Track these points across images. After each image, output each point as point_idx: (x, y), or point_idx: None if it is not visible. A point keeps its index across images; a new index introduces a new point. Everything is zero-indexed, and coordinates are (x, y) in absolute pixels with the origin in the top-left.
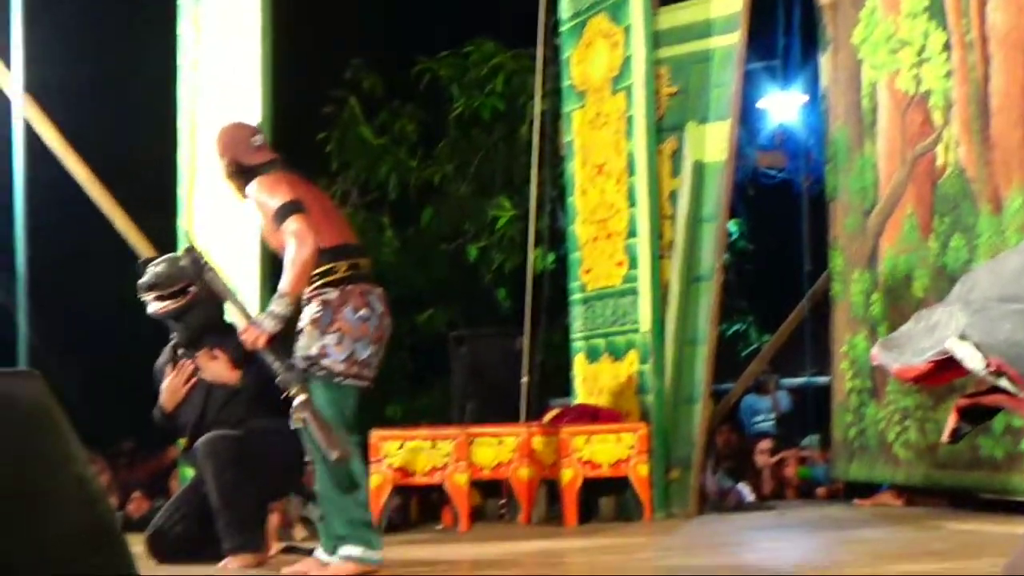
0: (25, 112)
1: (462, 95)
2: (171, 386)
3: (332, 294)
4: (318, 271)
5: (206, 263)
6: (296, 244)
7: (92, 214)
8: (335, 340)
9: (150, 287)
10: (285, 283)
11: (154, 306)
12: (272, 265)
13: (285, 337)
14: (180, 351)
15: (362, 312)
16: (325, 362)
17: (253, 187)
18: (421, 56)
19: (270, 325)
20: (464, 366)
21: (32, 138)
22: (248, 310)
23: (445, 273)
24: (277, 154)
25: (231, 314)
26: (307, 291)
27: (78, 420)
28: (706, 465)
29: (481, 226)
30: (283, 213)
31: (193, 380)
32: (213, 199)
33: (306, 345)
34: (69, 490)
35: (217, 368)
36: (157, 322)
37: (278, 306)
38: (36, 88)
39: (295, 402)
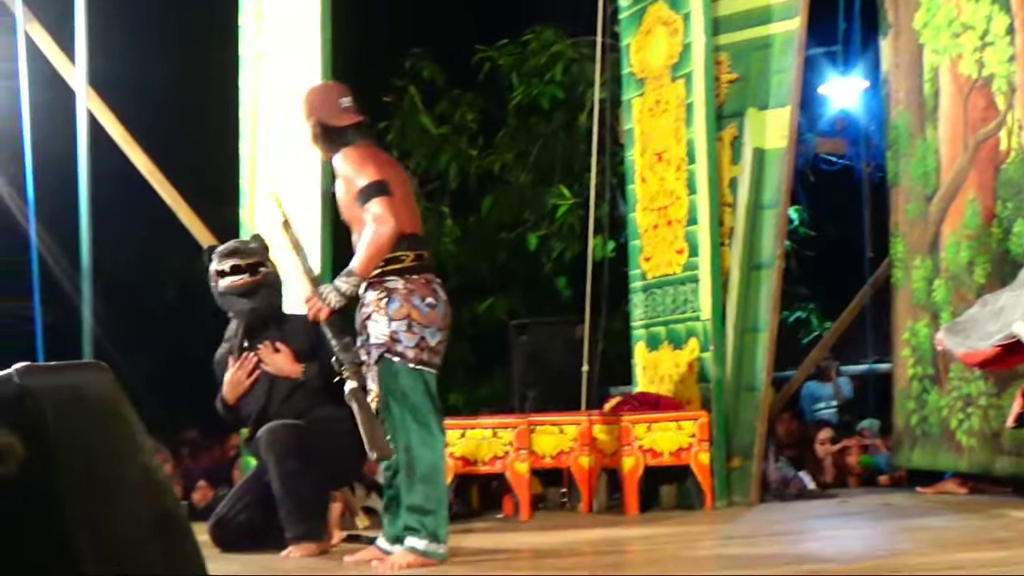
0: (89, 105)
1: (521, 84)
2: (233, 379)
3: (397, 282)
4: (387, 256)
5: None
6: (376, 227)
7: (155, 206)
8: (404, 327)
9: (231, 252)
10: (357, 263)
11: (228, 280)
12: (334, 258)
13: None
14: (244, 342)
15: (429, 299)
16: (398, 348)
17: (339, 159)
18: (481, 45)
19: (334, 299)
20: (525, 355)
21: (96, 131)
22: (316, 276)
23: (505, 262)
24: (364, 116)
25: (298, 282)
26: (371, 275)
27: (143, 410)
28: (767, 453)
29: (541, 215)
30: (368, 193)
31: (256, 373)
32: (275, 191)
33: (376, 331)
34: (136, 481)
35: (280, 361)
36: (219, 313)
37: (345, 283)
38: (100, 81)
39: (346, 387)
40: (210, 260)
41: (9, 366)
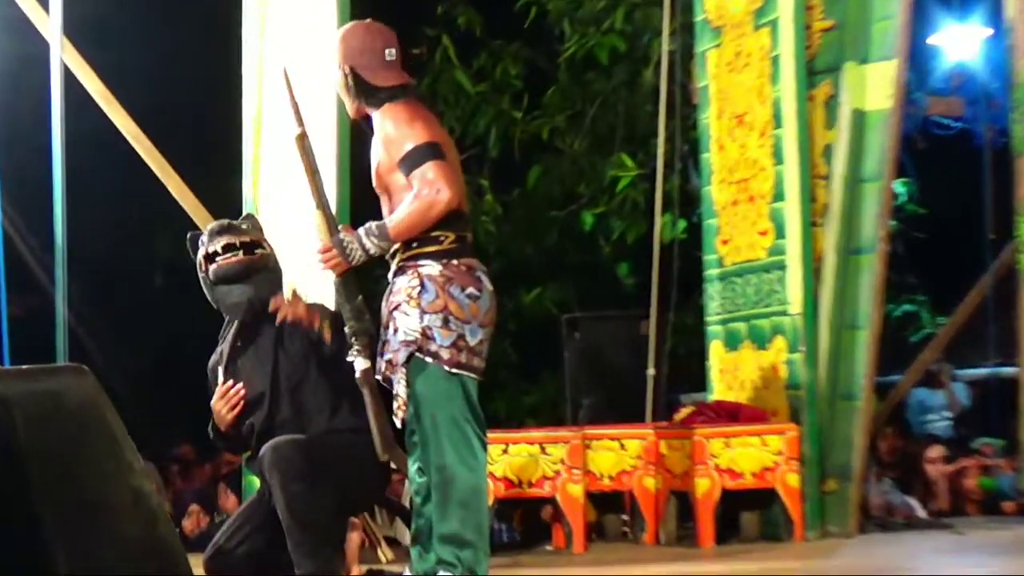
0: (64, 57)
1: (575, 33)
2: (216, 410)
3: (433, 268)
4: (421, 237)
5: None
6: (429, 192)
7: (141, 177)
8: (440, 321)
9: (222, 230)
10: (393, 223)
11: (222, 258)
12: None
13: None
14: (237, 343)
15: (470, 290)
16: (431, 347)
17: (381, 116)
18: None
19: (358, 255)
20: (579, 355)
21: (72, 88)
22: (334, 217)
23: (556, 244)
24: (410, 77)
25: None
26: (400, 257)
27: (125, 421)
28: (868, 474)
29: (598, 189)
30: (419, 156)
31: (240, 404)
32: (285, 157)
33: (406, 325)
34: (124, 504)
35: (300, 308)
36: (217, 311)
37: (372, 242)
38: (76, 30)
39: (356, 367)
40: (195, 249)
41: None
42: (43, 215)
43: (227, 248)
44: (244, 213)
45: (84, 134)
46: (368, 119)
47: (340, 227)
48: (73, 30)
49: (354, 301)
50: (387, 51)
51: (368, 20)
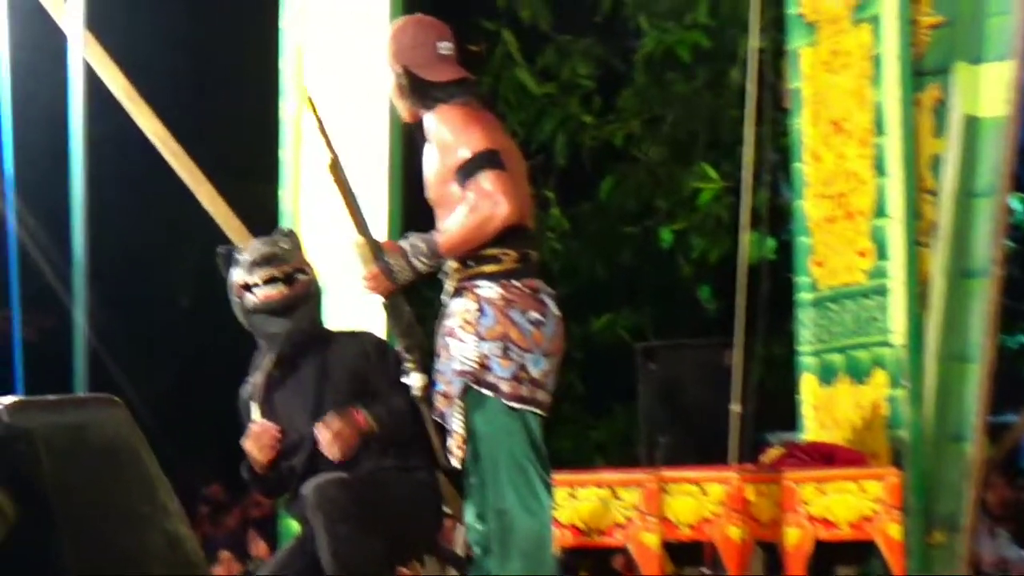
0: (86, 53)
1: (653, 28)
2: (250, 452)
3: (492, 291)
4: (480, 253)
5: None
6: (485, 205)
7: (168, 183)
8: (499, 350)
9: (264, 260)
10: (444, 239)
11: (263, 291)
12: None
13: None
14: (275, 373)
15: (533, 315)
16: (489, 377)
17: (435, 119)
18: None
19: (405, 277)
20: (655, 388)
21: (94, 86)
22: (377, 242)
23: (630, 264)
24: (468, 72)
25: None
26: (456, 277)
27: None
28: (979, 525)
29: (678, 202)
30: (476, 164)
31: (275, 446)
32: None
33: (461, 353)
34: (158, 550)
35: (345, 438)
36: (248, 333)
37: (420, 260)
38: (99, 23)
39: (411, 383)
40: (228, 266)
41: None
42: (62, 226)
43: (268, 281)
44: (281, 227)
45: (106, 137)
46: (422, 124)
47: (384, 245)
48: (94, 22)
49: (404, 317)
50: (440, 44)
51: (419, 14)
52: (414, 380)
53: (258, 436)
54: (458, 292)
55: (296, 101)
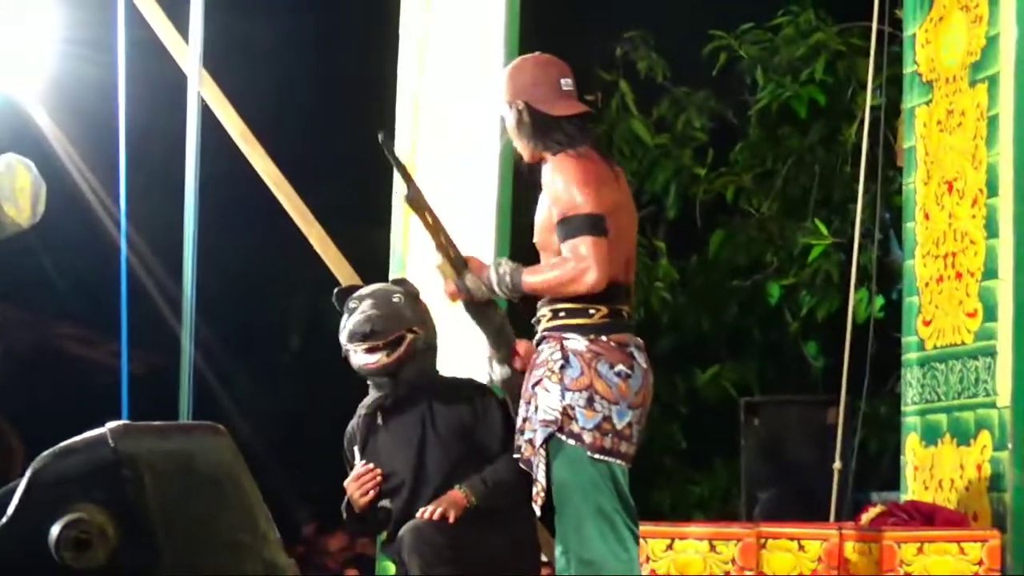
0: (203, 92)
1: (769, 82)
2: (351, 492)
3: (580, 342)
4: (567, 307)
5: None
6: (575, 268)
7: (280, 225)
8: (584, 400)
9: (365, 336)
10: (530, 278)
11: (364, 359)
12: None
13: None
14: (377, 420)
15: (620, 367)
16: (573, 427)
17: (552, 167)
18: (717, 30)
19: (481, 293)
20: (757, 443)
21: (210, 127)
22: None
23: (737, 318)
24: (589, 107)
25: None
26: (547, 325)
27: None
28: None
29: (788, 258)
30: (574, 228)
31: (375, 488)
32: (437, 207)
33: (547, 403)
34: None
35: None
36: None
37: (503, 289)
38: (217, 64)
39: (495, 376)
40: (342, 306)
41: (89, 427)
42: (173, 263)
43: (370, 350)
44: (398, 278)
45: (220, 176)
46: (540, 165)
47: (471, 262)
48: (212, 62)
49: (494, 322)
50: (563, 81)
51: (537, 53)
52: (496, 374)
53: (360, 477)
54: (545, 340)
55: (409, 143)
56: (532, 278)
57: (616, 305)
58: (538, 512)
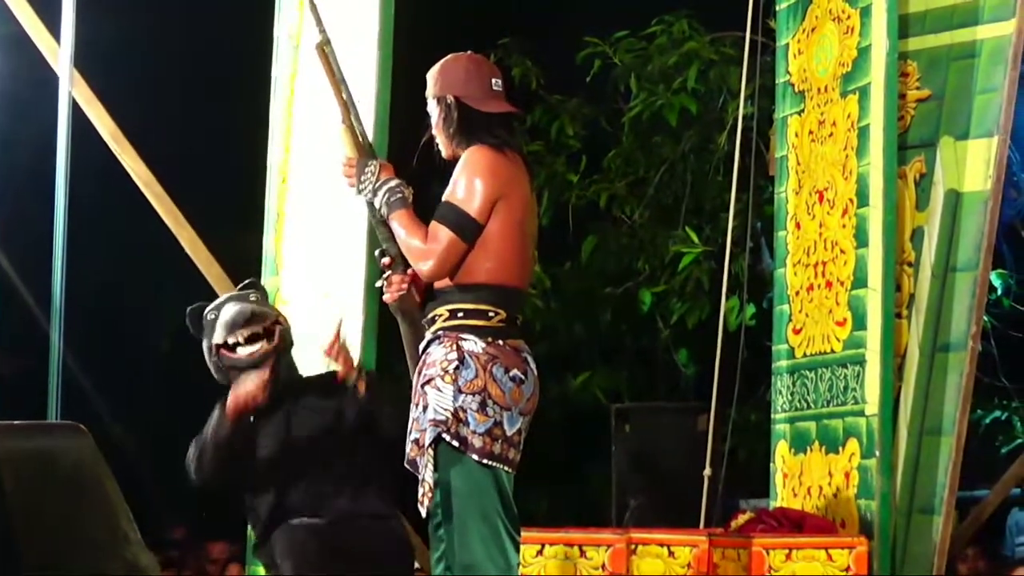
0: (74, 92)
1: (643, 91)
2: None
3: (476, 344)
4: (466, 307)
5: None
6: (421, 251)
7: (150, 227)
8: (476, 404)
9: (247, 320)
10: (396, 222)
11: (247, 350)
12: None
13: None
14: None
15: (515, 372)
16: (463, 431)
17: (465, 155)
18: (590, 37)
19: (364, 190)
20: (628, 450)
21: (80, 127)
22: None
23: (608, 325)
24: (516, 108)
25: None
26: (442, 324)
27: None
28: None
29: (659, 265)
30: (448, 217)
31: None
32: (311, 212)
33: (437, 402)
34: None
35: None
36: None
37: (382, 199)
38: (89, 64)
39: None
40: (199, 326)
41: None
42: (41, 265)
43: (251, 338)
44: (251, 280)
45: (90, 176)
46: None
47: (377, 162)
48: (84, 61)
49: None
50: (493, 80)
51: (468, 52)
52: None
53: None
54: (439, 339)
55: (281, 147)
56: (397, 224)
57: (513, 311)
58: (424, 513)
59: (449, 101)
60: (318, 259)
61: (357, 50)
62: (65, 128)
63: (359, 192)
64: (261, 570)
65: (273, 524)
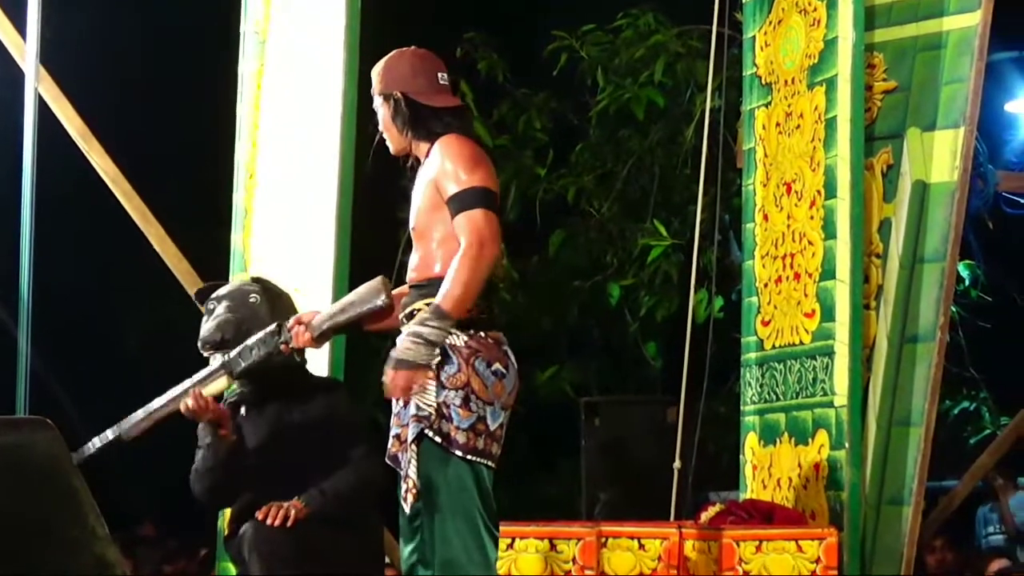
0: (40, 89)
1: (609, 84)
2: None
3: (458, 338)
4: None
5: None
6: (478, 246)
7: (119, 224)
8: (460, 399)
9: (216, 345)
10: (448, 298)
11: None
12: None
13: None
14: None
15: (497, 366)
16: (446, 427)
17: (438, 148)
18: (557, 30)
19: (425, 355)
20: (598, 443)
21: (47, 125)
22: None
23: (577, 319)
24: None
25: None
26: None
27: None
28: None
29: (627, 258)
30: (474, 199)
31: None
32: (279, 208)
33: (420, 398)
34: (86, 573)
35: None
36: (197, 364)
37: (432, 329)
38: (56, 61)
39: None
40: (204, 304)
41: None
42: (7, 260)
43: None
44: (255, 276)
45: (57, 173)
46: (407, 159)
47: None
48: (50, 58)
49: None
50: (440, 75)
51: (413, 47)
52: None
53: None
54: None
55: (248, 144)
56: (445, 292)
57: (490, 302)
58: (407, 509)
59: (396, 97)
60: (287, 255)
61: (323, 47)
62: (32, 125)
63: (425, 363)
64: (231, 567)
65: (243, 517)
